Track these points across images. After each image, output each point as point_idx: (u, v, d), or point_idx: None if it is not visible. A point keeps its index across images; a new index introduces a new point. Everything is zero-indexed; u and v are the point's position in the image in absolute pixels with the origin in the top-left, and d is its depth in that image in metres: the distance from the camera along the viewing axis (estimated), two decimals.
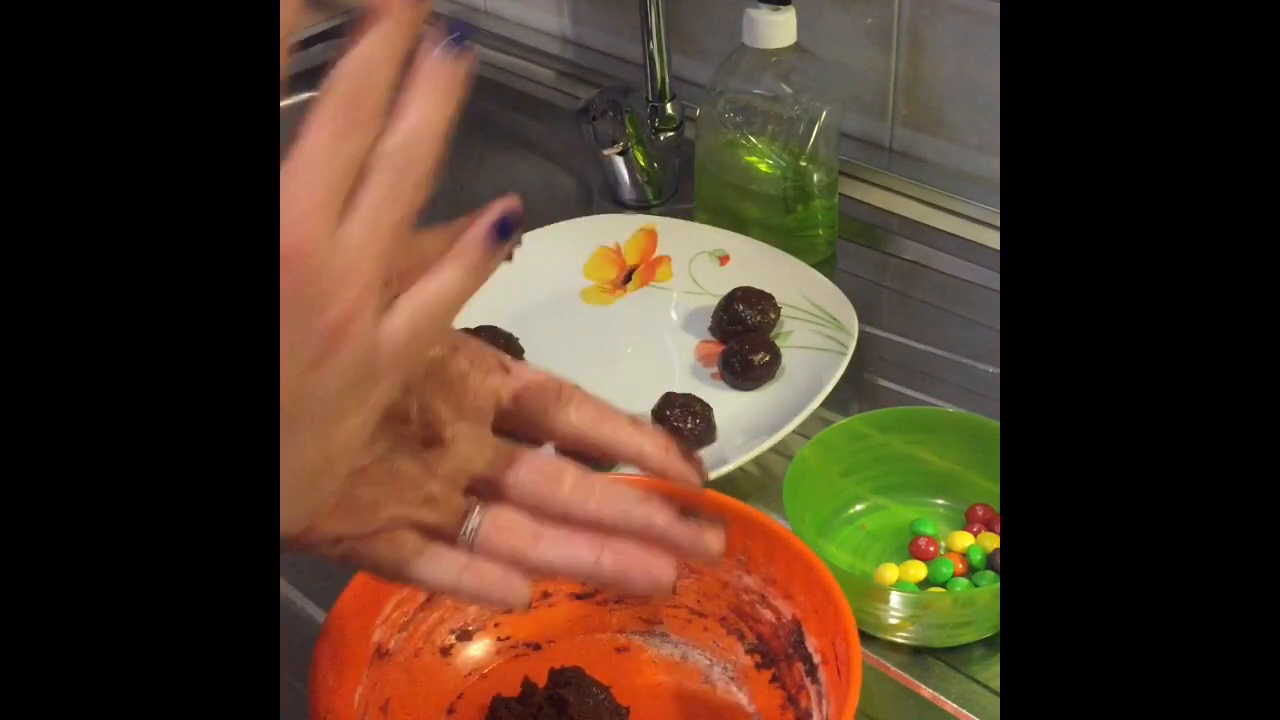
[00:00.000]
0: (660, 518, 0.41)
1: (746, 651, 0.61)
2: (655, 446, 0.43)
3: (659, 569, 0.41)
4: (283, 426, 0.32)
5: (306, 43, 1.19)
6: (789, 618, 0.58)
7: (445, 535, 0.42)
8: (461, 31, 0.33)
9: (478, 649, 0.62)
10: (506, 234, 0.35)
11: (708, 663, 0.61)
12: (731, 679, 0.61)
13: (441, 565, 0.41)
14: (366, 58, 0.32)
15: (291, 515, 0.36)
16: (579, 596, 0.63)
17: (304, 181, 0.32)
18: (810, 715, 0.57)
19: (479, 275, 0.35)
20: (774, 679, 0.59)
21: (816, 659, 0.57)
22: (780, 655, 0.59)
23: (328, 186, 0.32)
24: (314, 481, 0.36)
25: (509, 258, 0.37)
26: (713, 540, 0.42)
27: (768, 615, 0.60)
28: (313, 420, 0.34)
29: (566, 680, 0.57)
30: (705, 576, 0.61)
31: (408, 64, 0.33)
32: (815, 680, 0.57)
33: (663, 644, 0.62)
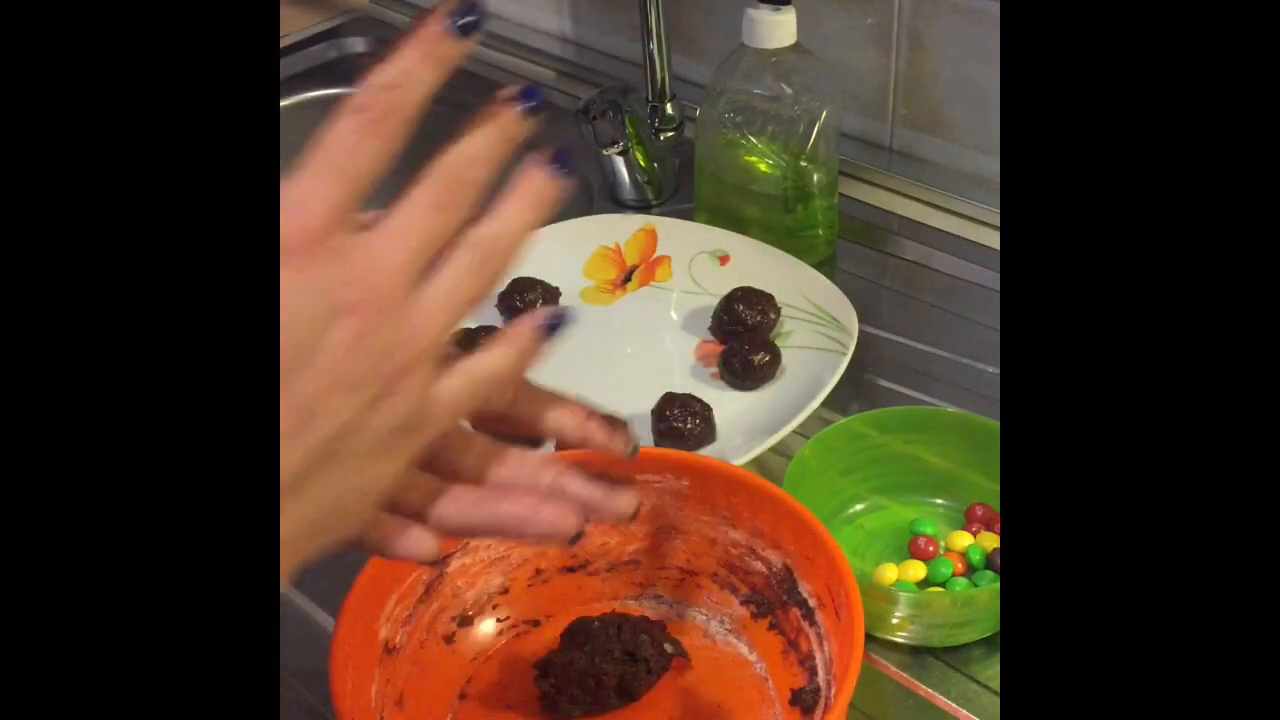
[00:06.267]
0: (571, 483, 0.44)
1: (741, 603, 0.62)
2: (574, 418, 0.45)
3: (557, 516, 0.42)
4: (331, 458, 0.35)
5: (306, 43, 1.19)
6: (779, 566, 0.59)
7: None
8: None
9: (480, 633, 0.62)
10: (554, 331, 0.41)
11: (704, 618, 0.63)
12: (730, 630, 0.62)
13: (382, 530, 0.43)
14: (471, 150, 0.37)
15: (318, 545, 0.38)
16: (569, 570, 0.64)
17: (395, 240, 0.35)
18: (813, 657, 0.58)
19: (526, 359, 0.41)
20: (772, 626, 0.61)
21: (812, 602, 0.58)
22: (775, 603, 0.60)
23: (415, 249, 0.36)
24: (346, 514, 0.38)
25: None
26: (624, 500, 0.45)
27: (758, 566, 0.61)
28: (359, 456, 0.37)
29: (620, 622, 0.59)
30: (692, 536, 0.62)
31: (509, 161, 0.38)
32: (813, 623, 0.58)
33: (658, 605, 0.63)
